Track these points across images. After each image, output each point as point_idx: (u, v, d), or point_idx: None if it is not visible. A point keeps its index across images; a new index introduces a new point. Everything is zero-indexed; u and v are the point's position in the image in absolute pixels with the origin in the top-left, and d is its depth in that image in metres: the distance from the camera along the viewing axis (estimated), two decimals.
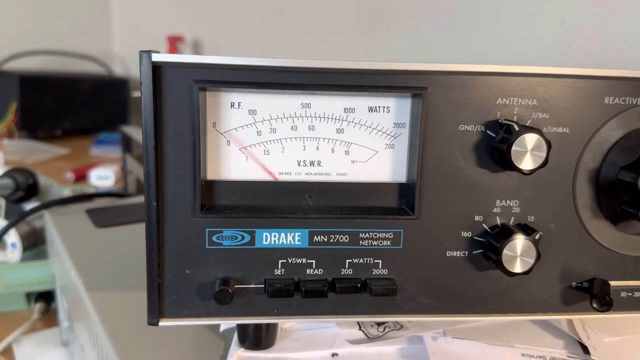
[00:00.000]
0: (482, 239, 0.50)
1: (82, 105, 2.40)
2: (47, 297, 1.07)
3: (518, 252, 0.47)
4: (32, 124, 2.28)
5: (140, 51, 0.47)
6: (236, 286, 0.48)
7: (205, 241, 0.47)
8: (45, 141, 2.28)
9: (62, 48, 2.59)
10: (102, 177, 1.70)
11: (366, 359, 0.55)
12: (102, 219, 0.93)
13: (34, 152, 2.11)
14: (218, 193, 0.49)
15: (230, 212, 0.47)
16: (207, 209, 0.47)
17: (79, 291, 0.72)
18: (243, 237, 0.48)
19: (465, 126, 0.48)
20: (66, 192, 1.33)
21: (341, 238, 0.49)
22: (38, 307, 1.07)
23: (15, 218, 1.01)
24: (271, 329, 0.55)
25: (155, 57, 0.46)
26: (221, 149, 0.48)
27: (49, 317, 1.04)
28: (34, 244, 1.15)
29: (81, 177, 1.75)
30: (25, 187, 1.05)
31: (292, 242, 0.48)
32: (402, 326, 0.56)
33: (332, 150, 0.49)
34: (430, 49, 1.51)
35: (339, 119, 0.48)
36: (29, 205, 1.09)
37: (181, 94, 0.45)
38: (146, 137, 0.48)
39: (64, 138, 2.40)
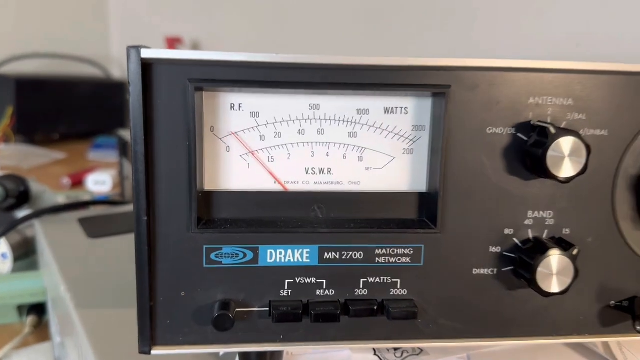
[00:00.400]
0: (512, 255, 0.46)
1: (80, 109, 2.35)
2: (39, 310, 1.01)
3: (554, 270, 0.42)
4: (29, 128, 2.23)
5: (128, 47, 0.41)
6: (238, 310, 0.44)
7: (202, 259, 0.43)
8: (42, 145, 2.23)
9: (59, 51, 2.54)
10: (100, 183, 1.65)
11: None
12: (95, 228, 0.88)
13: (30, 157, 2.06)
14: (217, 205, 0.44)
15: (231, 226, 0.43)
16: (205, 223, 0.43)
17: (68, 307, 0.66)
18: (245, 255, 0.43)
19: (494, 129, 0.43)
20: (60, 198, 1.28)
21: (355, 255, 0.44)
22: (30, 320, 1.02)
23: (5, 227, 0.96)
24: (276, 355, 0.50)
25: (145, 54, 0.41)
26: (220, 156, 0.43)
27: (42, 331, 0.99)
28: (26, 254, 1.10)
29: (78, 182, 1.70)
30: (16, 194, 1.00)
31: (300, 260, 0.44)
32: (421, 351, 0.50)
33: (344, 157, 0.43)
34: (437, 46, 1.46)
35: (351, 122, 0.43)
36: (20, 213, 1.04)
37: (175, 95, 0.41)
38: (135, 143, 0.42)
39: (61, 142, 2.35)
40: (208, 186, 0.44)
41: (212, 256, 0.43)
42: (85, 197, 1.47)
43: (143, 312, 0.43)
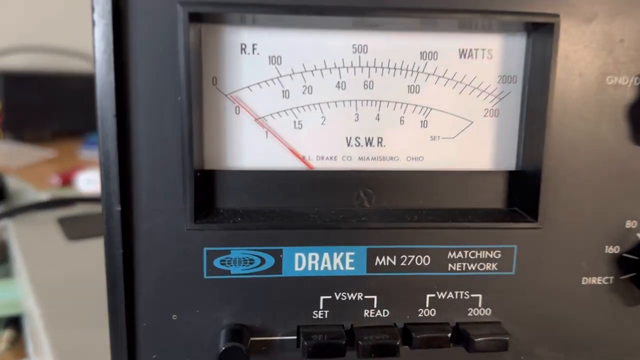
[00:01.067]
0: (636, 257, 0.35)
1: (72, 104, 2.23)
2: (18, 324, 0.89)
3: None
4: (18, 125, 2.11)
5: None
6: (253, 339, 0.33)
7: (202, 268, 0.33)
8: (33, 143, 2.12)
9: (49, 44, 2.42)
10: (92, 182, 1.52)
11: None
12: (76, 229, 0.75)
13: (20, 155, 1.94)
14: (222, 191, 0.34)
15: (242, 220, 0.32)
16: (205, 215, 0.32)
17: (37, 325, 0.55)
18: (263, 261, 0.31)
19: (616, 78, 0.33)
20: (44, 197, 1.15)
21: (418, 260, 0.34)
22: (7, 335, 0.89)
23: None
24: None
25: None
26: (226, 120, 0.33)
27: (21, 346, 0.86)
28: (4, 259, 0.98)
29: (68, 181, 1.57)
30: None
31: (342, 268, 0.34)
32: None
33: (401, 121, 0.34)
34: None
35: (412, 70, 0.34)
36: None
37: (160, 28, 0.30)
38: (101, 98, 0.29)
39: (53, 139, 2.23)
40: (209, 163, 0.32)
41: (216, 263, 0.33)
42: (69, 196, 1.35)
43: (118, 344, 0.31)
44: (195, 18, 0.30)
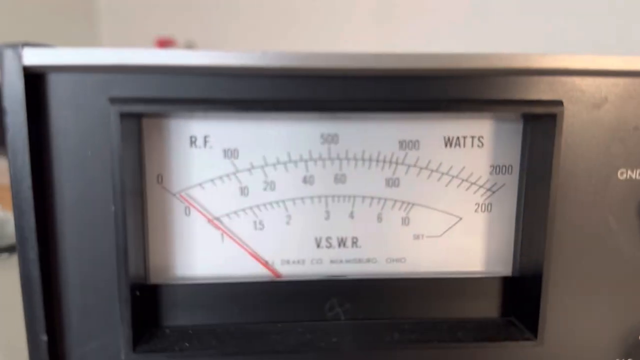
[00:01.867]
0: None
1: None
2: None
3: None
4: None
5: (1, 45, 0.23)
6: None
7: None
8: None
9: None
10: None
11: None
12: None
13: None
14: (170, 307, 0.30)
15: (190, 345, 0.28)
16: (149, 340, 0.28)
17: None
18: None
19: (628, 171, 0.28)
20: None
21: None
22: None
23: None
24: None
25: (31, 57, 0.23)
26: (175, 223, 0.29)
27: None
28: None
29: None
30: None
31: None
32: None
33: (379, 218, 0.29)
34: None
35: (390, 162, 0.28)
36: None
37: (87, 125, 0.26)
38: (20, 213, 0.24)
39: None
40: (155, 276, 0.27)
41: None
42: None
43: None
44: (129, 115, 0.25)
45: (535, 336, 0.28)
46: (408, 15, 1.39)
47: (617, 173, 0.28)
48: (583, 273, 0.29)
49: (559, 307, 0.29)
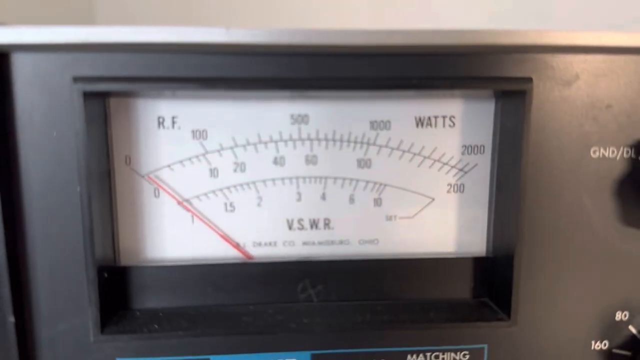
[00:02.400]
0: (627, 353, 0.30)
1: None
2: None
3: None
4: None
5: None
6: None
7: None
8: None
9: None
10: None
11: None
12: None
13: None
14: (139, 289, 0.30)
15: (160, 327, 0.28)
16: (117, 322, 0.28)
17: None
18: None
19: (601, 149, 0.28)
20: None
21: None
22: None
23: None
24: None
25: None
26: (144, 205, 0.29)
27: None
28: None
29: None
30: None
31: None
32: None
33: (351, 200, 0.29)
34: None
35: (361, 142, 0.28)
36: None
37: (52, 105, 0.25)
38: None
39: None
40: (125, 258, 0.26)
41: None
42: None
43: None
44: (94, 95, 0.25)
45: (509, 317, 0.28)
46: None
47: (590, 151, 0.28)
48: (557, 253, 0.28)
49: (532, 287, 0.28)
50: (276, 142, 0.28)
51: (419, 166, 0.29)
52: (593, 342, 0.29)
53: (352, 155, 0.28)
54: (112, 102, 0.27)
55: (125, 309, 0.28)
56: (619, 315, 0.29)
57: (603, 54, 0.27)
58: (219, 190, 0.28)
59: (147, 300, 0.28)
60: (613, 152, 0.28)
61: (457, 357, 0.29)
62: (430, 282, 0.29)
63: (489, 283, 0.29)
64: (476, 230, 0.30)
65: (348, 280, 0.29)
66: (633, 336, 0.30)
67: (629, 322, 0.29)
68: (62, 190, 0.25)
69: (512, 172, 0.27)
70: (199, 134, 0.28)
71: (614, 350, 0.30)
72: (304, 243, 0.29)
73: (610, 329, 0.29)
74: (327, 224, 0.29)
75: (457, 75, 0.26)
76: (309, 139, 0.28)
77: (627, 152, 0.28)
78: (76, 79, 0.24)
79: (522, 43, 0.26)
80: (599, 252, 0.29)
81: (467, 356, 0.29)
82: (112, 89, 0.25)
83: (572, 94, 0.27)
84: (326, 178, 0.29)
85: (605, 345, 0.30)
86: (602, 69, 0.27)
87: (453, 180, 0.29)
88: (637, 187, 0.28)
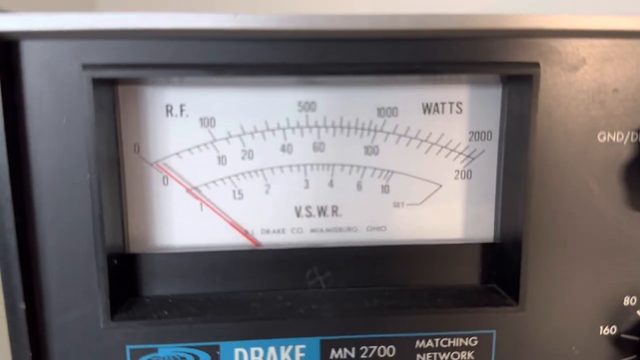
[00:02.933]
0: (636, 338, 0.30)
1: None
2: None
3: None
4: None
5: None
6: None
7: None
8: None
9: None
10: None
11: None
12: None
13: None
14: (148, 276, 0.30)
15: (170, 313, 0.28)
16: (127, 308, 0.28)
17: None
18: (197, 359, 0.24)
19: (609, 134, 0.28)
20: None
21: (381, 351, 0.29)
22: None
23: None
24: None
25: (2, 23, 0.23)
26: (153, 193, 0.29)
27: None
28: None
29: None
30: None
31: None
32: None
33: (359, 187, 0.30)
34: None
35: (368, 129, 0.29)
36: None
37: (61, 93, 0.25)
38: None
39: None
40: (134, 246, 0.27)
41: None
42: None
43: None
44: (102, 81, 0.25)
45: (517, 302, 0.28)
46: None
47: (597, 136, 0.28)
48: (565, 238, 0.28)
49: (540, 273, 0.28)
50: (284, 129, 0.28)
51: (426, 153, 0.29)
52: (601, 328, 0.29)
53: (360, 142, 0.29)
54: (121, 90, 0.27)
55: (135, 296, 0.28)
56: (627, 301, 0.29)
57: (609, 38, 0.27)
58: (227, 177, 0.28)
59: (157, 287, 0.28)
60: (620, 136, 0.28)
61: (466, 343, 0.29)
62: (438, 268, 0.30)
63: (497, 269, 0.30)
64: (484, 216, 0.30)
65: (356, 266, 0.29)
66: None
67: (637, 307, 0.29)
68: (71, 178, 0.26)
69: (519, 158, 0.27)
70: (207, 122, 0.28)
71: (623, 335, 0.30)
72: (312, 230, 0.30)
73: (618, 314, 0.29)
74: (334, 211, 0.29)
75: (463, 60, 0.26)
76: (317, 126, 0.28)
77: (635, 136, 0.28)
78: (85, 66, 0.24)
79: (528, 27, 0.26)
80: (607, 237, 0.29)
81: (476, 341, 0.29)
82: (120, 75, 0.25)
83: (579, 78, 0.27)
84: (334, 165, 0.29)
85: (613, 330, 0.30)
86: (609, 53, 0.27)
87: (460, 167, 0.29)
88: None
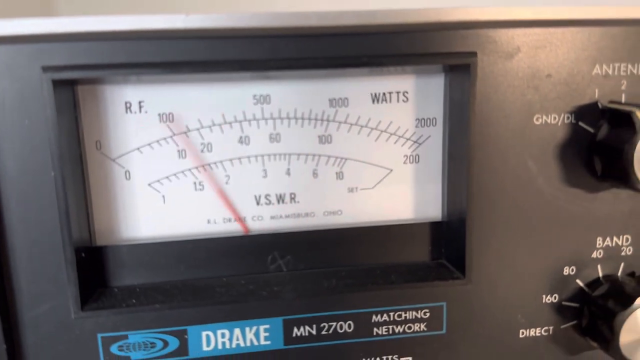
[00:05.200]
0: (576, 305, 0.33)
1: None
2: None
3: None
4: None
5: None
6: None
7: (99, 356, 0.30)
8: None
9: None
10: None
11: None
12: None
13: None
14: (115, 267, 0.31)
15: (138, 301, 0.29)
16: (96, 298, 0.29)
17: None
18: (166, 343, 0.28)
19: (543, 117, 0.30)
20: None
21: (340, 327, 0.31)
22: None
23: None
24: None
25: None
26: (116, 188, 0.30)
27: None
28: None
29: None
30: None
31: (255, 343, 0.31)
32: None
33: (315, 174, 0.31)
34: None
35: (321, 119, 0.30)
36: None
37: (22, 95, 0.26)
38: None
39: None
40: (101, 239, 0.28)
41: (114, 349, 0.29)
42: None
43: None
44: (62, 82, 0.26)
45: (464, 275, 0.30)
46: None
47: (533, 119, 0.30)
48: (507, 214, 0.30)
49: (485, 247, 0.31)
50: (240, 122, 0.29)
51: (376, 140, 0.31)
52: (544, 296, 0.32)
53: (314, 132, 0.30)
54: (81, 89, 0.28)
55: (104, 287, 0.30)
56: (566, 270, 0.32)
57: (541, 27, 0.29)
58: (187, 170, 0.30)
59: (125, 277, 0.30)
60: (554, 118, 0.30)
61: (419, 315, 0.31)
62: (391, 247, 0.32)
63: (445, 246, 0.32)
64: (432, 197, 0.32)
65: (315, 249, 0.31)
66: (580, 289, 0.32)
67: (575, 276, 0.32)
68: (37, 177, 0.27)
69: (461, 141, 0.29)
70: (166, 117, 0.29)
71: (564, 303, 0.32)
72: (272, 217, 0.31)
73: (559, 283, 0.32)
74: (292, 198, 0.31)
75: (407, 52, 0.28)
76: (272, 117, 0.30)
77: (568, 117, 0.30)
78: (45, 68, 0.25)
79: (466, 19, 0.28)
80: (546, 212, 0.31)
81: (428, 314, 0.31)
82: (79, 76, 0.26)
83: (514, 65, 0.29)
84: (290, 155, 0.30)
85: (555, 298, 0.32)
86: (541, 41, 0.29)
87: (409, 152, 0.31)
88: (578, 150, 0.30)
